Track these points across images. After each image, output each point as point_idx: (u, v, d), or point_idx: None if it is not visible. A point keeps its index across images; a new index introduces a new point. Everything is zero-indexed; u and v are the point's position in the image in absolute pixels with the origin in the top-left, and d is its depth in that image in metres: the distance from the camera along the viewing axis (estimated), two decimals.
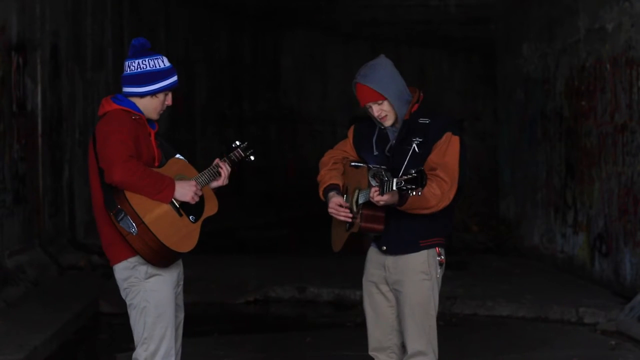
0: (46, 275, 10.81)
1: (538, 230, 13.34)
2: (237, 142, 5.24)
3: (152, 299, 4.88)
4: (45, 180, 11.66)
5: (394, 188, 4.51)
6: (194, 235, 4.90)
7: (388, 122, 4.95)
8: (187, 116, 18.70)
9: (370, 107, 4.93)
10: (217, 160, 5.08)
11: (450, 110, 23.99)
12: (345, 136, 5.24)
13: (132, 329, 4.97)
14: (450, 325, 9.25)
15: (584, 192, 11.22)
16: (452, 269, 11.30)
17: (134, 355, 4.94)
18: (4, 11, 10.28)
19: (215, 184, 5.07)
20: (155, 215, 4.79)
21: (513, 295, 10.09)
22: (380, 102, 4.90)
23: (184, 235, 4.86)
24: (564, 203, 12.07)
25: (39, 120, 11.49)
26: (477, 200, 17.93)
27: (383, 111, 4.92)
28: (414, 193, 4.48)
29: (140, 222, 4.74)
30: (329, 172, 5.14)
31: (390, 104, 4.90)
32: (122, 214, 4.75)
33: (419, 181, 4.45)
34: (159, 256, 4.84)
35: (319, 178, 5.17)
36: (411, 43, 25.07)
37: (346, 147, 5.21)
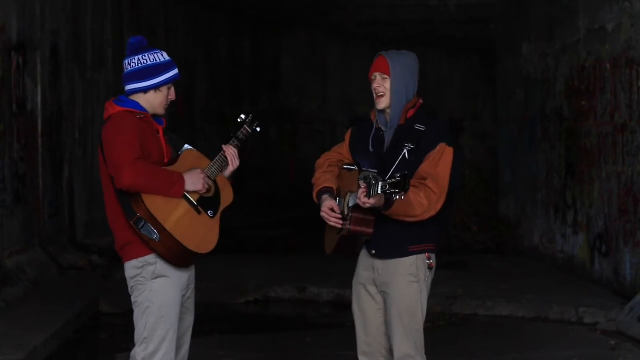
0: (46, 275, 10.80)
1: (538, 230, 13.34)
2: (242, 116, 5.22)
3: (156, 299, 4.86)
4: (45, 180, 11.65)
5: (379, 192, 4.53)
6: (214, 233, 4.89)
7: (381, 104, 4.96)
8: (187, 116, 18.70)
9: (375, 77, 4.98)
10: (223, 147, 5.06)
11: (450, 110, 24.01)
12: (344, 139, 5.26)
13: (135, 326, 4.95)
14: (450, 325, 9.25)
15: (584, 192, 11.22)
16: (452, 269, 11.35)
17: (132, 352, 4.92)
18: (4, 11, 10.28)
19: (227, 171, 5.05)
20: (175, 218, 4.77)
21: (513, 295, 10.08)
22: (385, 76, 4.95)
23: (204, 235, 4.85)
24: (564, 203, 12.06)
25: (39, 120, 11.49)
26: (477, 200, 17.90)
27: (383, 87, 4.95)
28: (398, 197, 4.50)
29: (162, 229, 4.73)
30: (323, 175, 5.15)
31: (391, 88, 4.93)
32: (143, 222, 4.73)
33: (402, 185, 4.46)
34: (182, 259, 4.85)
35: (313, 180, 5.18)
36: (411, 43, 24.99)
37: (342, 150, 5.23)
